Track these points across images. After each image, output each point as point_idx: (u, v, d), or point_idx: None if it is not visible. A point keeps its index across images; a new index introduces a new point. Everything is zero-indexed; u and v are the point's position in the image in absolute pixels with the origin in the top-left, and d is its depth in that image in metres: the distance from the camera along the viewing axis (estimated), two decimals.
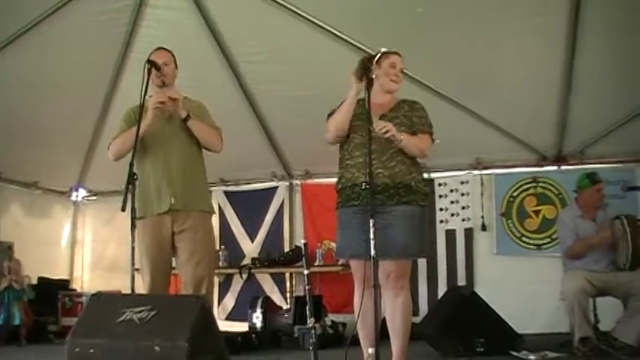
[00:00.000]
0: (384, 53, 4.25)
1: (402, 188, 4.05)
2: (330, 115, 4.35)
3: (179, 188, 4.40)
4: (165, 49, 4.63)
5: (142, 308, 3.34)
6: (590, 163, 7.56)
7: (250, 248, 8.67)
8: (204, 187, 4.72)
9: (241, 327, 7.62)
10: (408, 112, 4.23)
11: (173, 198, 4.37)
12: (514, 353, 5.44)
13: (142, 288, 4.34)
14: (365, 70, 4.11)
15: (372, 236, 3.64)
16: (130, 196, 3.99)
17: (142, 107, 4.21)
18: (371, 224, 3.68)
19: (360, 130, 4.10)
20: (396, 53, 4.28)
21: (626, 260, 5.40)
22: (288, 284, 8.53)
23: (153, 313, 3.31)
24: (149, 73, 4.32)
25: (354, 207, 4.08)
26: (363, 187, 3.81)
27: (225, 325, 8.13)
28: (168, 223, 4.38)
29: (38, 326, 7.89)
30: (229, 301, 8.67)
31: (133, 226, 4.04)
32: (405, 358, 4.11)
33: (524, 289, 7.32)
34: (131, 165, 4.08)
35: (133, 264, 4.02)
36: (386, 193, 4.02)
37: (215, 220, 8.57)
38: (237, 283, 8.52)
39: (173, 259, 4.47)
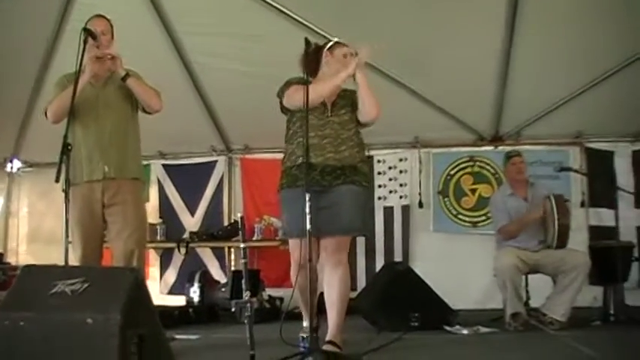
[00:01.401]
0: (336, 43, 4.44)
1: (348, 169, 4.30)
2: (288, 85, 4.43)
3: (112, 156, 4.38)
4: (103, 16, 4.55)
5: (75, 280, 3.28)
6: (525, 144, 7.74)
7: (191, 222, 8.60)
8: (136, 154, 4.66)
9: (182, 301, 7.59)
10: (355, 100, 4.42)
11: (106, 166, 4.34)
12: (447, 328, 5.55)
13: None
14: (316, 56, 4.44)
15: (307, 210, 3.81)
16: (63, 167, 3.93)
17: (77, 74, 4.13)
18: (307, 198, 3.84)
19: (315, 111, 4.28)
20: (346, 45, 4.47)
21: (553, 239, 5.55)
22: (228, 259, 8.52)
23: (86, 285, 3.25)
24: (85, 42, 4.24)
25: (301, 187, 4.05)
26: (299, 163, 4.14)
27: (166, 300, 8.12)
28: (99, 192, 4.36)
29: None
30: (171, 275, 8.61)
31: (67, 198, 3.98)
32: (339, 333, 4.23)
33: (459, 266, 7.48)
34: (65, 136, 4.02)
35: (67, 236, 3.98)
36: (334, 174, 4.27)
37: (154, 194, 8.56)
38: (178, 258, 8.43)
39: (105, 231, 4.44)
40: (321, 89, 4.23)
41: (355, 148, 4.39)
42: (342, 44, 4.46)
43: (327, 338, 4.18)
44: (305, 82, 4.13)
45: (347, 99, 4.45)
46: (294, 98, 4.26)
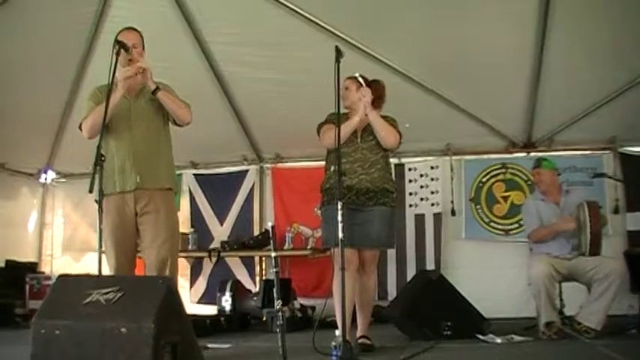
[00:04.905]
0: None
1: (380, 192, 4.92)
2: (322, 125, 5.03)
3: (144, 166, 4.41)
4: (134, 29, 4.60)
5: (109, 289, 3.32)
6: (558, 150, 7.68)
7: (220, 231, 8.63)
8: (169, 165, 4.69)
9: (212, 310, 7.63)
10: None
11: (139, 176, 4.38)
12: (481, 337, 5.48)
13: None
14: None
15: (339, 218, 4.20)
16: (97, 177, 3.97)
17: (110, 87, 4.17)
18: (339, 206, 4.18)
19: (346, 140, 4.82)
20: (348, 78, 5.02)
21: (586, 246, 5.48)
22: (257, 268, 8.53)
23: (119, 294, 3.30)
24: (118, 54, 4.29)
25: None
26: (332, 170, 4.51)
27: (196, 309, 8.15)
28: (132, 202, 4.39)
29: (4, 309, 7.79)
30: (201, 284, 8.65)
31: (101, 208, 4.01)
32: (368, 330, 5.09)
33: (491, 274, 7.42)
34: (99, 147, 4.06)
35: (100, 246, 4.01)
36: (367, 195, 4.88)
37: (185, 203, 8.63)
38: (208, 267, 8.50)
39: (138, 241, 4.47)
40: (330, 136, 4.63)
41: (383, 170, 5.00)
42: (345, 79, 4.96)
43: (361, 334, 5.00)
44: (335, 119, 4.62)
45: None
46: (323, 140, 4.99)
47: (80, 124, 4.49)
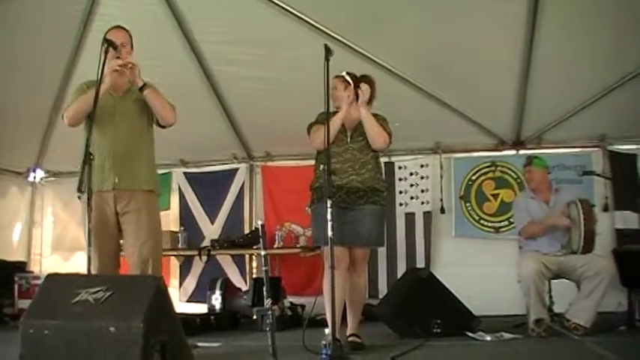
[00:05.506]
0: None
1: (370, 191, 4.94)
2: (312, 125, 5.04)
3: (124, 167, 4.41)
4: (123, 28, 4.58)
5: (98, 289, 3.32)
6: (547, 148, 7.69)
7: (210, 230, 8.61)
8: (150, 166, 4.66)
9: (202, 309, 7.62)
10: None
11: (117, 177, 4.37)
12: (470, 334, 5.50)
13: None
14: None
15: (329, 217, 4.19)
16: (86, 175, 3.95)
17: (99, 84, 4.16)
18: (329, 204, 4.19)
19: (336, 140, 4.87)
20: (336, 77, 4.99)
21: (579, 244, 5.49)
22: (248, 266, 8.52)
23: (108, 293, 3.29)
24: (106, 52, 4.28)
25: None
26: (322, 169, 4.49)
27: (186, 307, 8.13)
28: (111, 201, 4.38)
29: None
30: (190, 283, 8.62)
31: (89, 206, 3.99)
32: (358, 328, 5.08)
33: (481, 272, 7.41)
34: (87, 145, 4.04)
35: (89, 245, 3.99)
36: (357, 194, 4.91)
37: (175, 202, 8.60)
38: (198, 265, 8.48)
39: (121, 241, 4.45)
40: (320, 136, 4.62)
41: (373, 171, 5.00)
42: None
43: (351, 332, 4.98)
44: (324, 120, 4.55)
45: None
46: (312, 141, 4.98)
47: (63, 114, 4.48)
